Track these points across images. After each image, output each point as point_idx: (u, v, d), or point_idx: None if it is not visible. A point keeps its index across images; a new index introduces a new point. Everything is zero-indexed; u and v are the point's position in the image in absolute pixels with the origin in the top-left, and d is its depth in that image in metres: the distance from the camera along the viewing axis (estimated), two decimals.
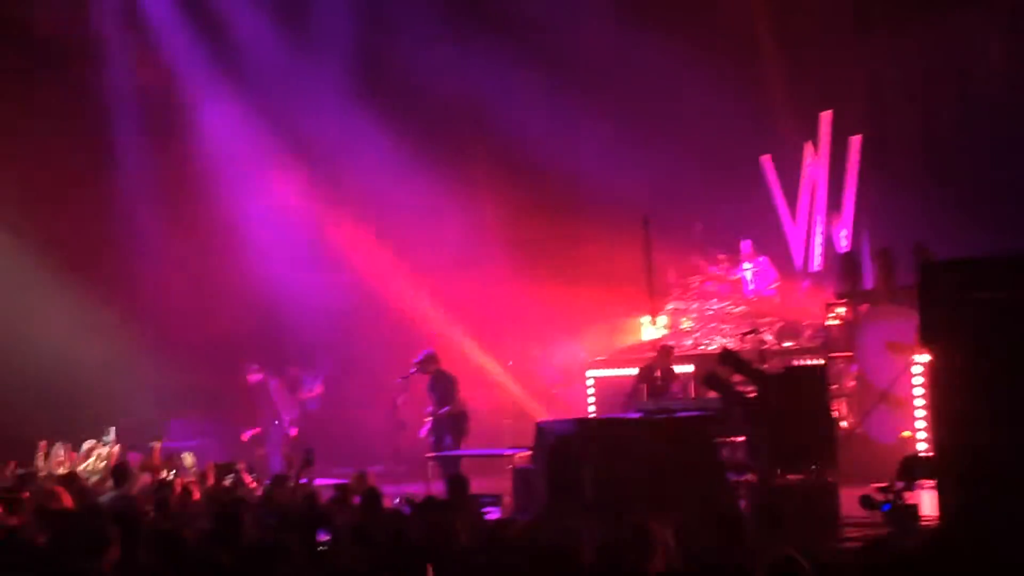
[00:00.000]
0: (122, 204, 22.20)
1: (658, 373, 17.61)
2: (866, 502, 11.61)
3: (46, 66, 21.34)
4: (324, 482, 14.86)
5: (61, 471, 15.71)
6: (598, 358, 20.29)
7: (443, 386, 17.24)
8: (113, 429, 17.39)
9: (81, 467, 16.43)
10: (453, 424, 17.07)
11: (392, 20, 22.57)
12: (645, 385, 17.47)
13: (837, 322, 17.71)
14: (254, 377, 20.51)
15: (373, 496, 11.39)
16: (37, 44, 21.35)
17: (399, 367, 18.35)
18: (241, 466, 15.11)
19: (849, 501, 12.16)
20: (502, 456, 16.15)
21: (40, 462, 16.27)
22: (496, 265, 22.12)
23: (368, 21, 22.63)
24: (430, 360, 17.38)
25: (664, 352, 17.93)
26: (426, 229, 22.07)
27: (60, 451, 16.63)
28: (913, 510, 11.73)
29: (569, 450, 13.70)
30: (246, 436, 19.91)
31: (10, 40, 21.11)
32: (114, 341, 20.87)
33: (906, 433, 15.81)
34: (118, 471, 13.87)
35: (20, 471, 15.37)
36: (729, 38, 21.12)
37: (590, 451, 13.49)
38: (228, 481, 14.27)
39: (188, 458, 16.50)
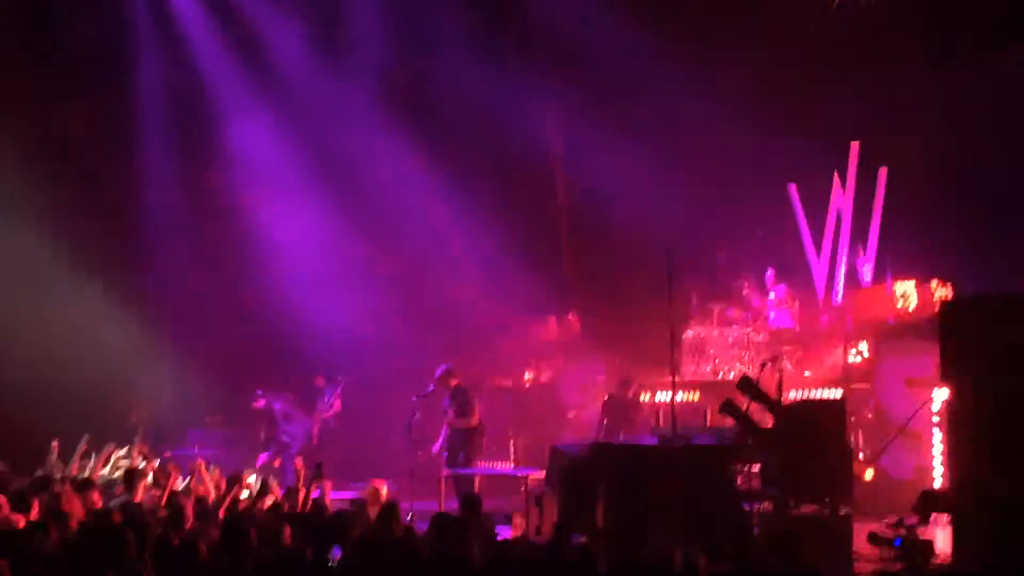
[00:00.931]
0: (149, 212, 22.30)
1: (621, 404, 17.77)
2: (873, 539, 11.57)
3: (79, 75, 21.50)
4: (339, 496, 14.87)
5: (80, 473, 15.77)
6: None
7: (460, 401, 17.23)
8: (137, 438, 17.46)
9: (100, 473, 16.48)
10: (468, 439, 17.05)
11: (428, 39, 22.59)
12: (606, 418, 17.72)
13: (859, 359, 17.68)
14: (258, 404, 20.60)
15: (390, 510, 11.37)
16: (72, 52, 21.51)
17: (416, 385, 18.37)
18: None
19: (863, 534, 12.12)
20: (516, 476, 16.13)
21: (53, 463, 16.29)
22: (521, 289, 22.16)
23: (404, 40, 22.66)
24: (449, 375, 17.37)
25: (622, 384, 18.00)
26: (451, 250, 22.10)
27: (80, 454, 16.68)
28: (928, 546, 11.68)
29: (584, 474, 13.69)
30: (260, 462, 19.90)
31: (45, 47, 21.30)
32: (136, 349, 20.96)
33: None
34: (128, 477, 13.91)
35: (38, 473, 15.40)
36: (756, 68, 21.09)
37: (605, 476, 13.47)
38: (243, 492, 14.27)
39: (204, 468, 16.50)
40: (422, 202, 22.02)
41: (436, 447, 17.25)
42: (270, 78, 22.53)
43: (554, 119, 22.75)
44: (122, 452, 17.13)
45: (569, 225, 23.12)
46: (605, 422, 18.13)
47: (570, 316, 22.46)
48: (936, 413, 15.56)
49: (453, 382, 17.36)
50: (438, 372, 17.41)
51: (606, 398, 18.44)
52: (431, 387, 17.67)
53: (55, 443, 16.56)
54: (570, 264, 23.14)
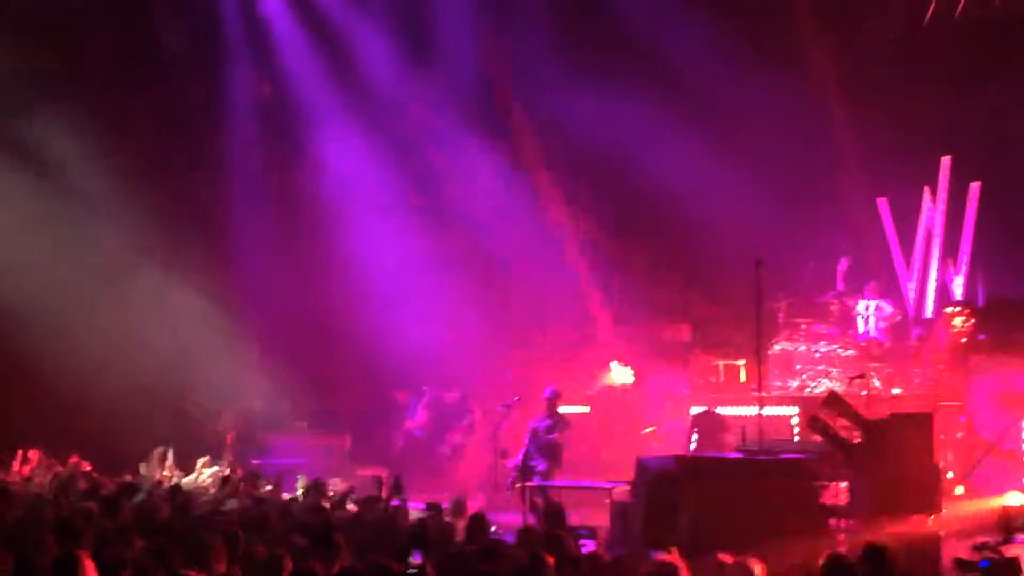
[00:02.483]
0: (238, 221, 22.57)
1: (713, 419, 17.64)
2: (959, 564, 11.37)
3: (169, 77, 21.86)
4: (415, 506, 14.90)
5: (168, 480, 16.00)
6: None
7: (560, 422, 17.24)
8: (224, 446, 17.70)
9: (187, 479, 16.71)
10: (551, 452, 17.02)
11: (514, 52, 22.65)
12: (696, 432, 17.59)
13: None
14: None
15: (480, 522, 11.38)
16: (164, 55, 21.88)
17: (500, 395, 18.42)
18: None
19: (950, 553, 11.95)
20: (601, 489, 16.09)
21: (145, 471, 16.54)
22: (606, 301, 22.16)
23: (491, 54, 22.74)
24: (556, 397, 17.41)
25: (550, 401, 17.74)
26: (535, 262, 22.15)
27: (168, 461, 16.93)
28: (1014, 564, 11.48)
29: (668, 486, 13.63)
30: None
31: (137, 49, 21.67)
32: (223, 357, 21.20)
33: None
34: (220, 484, 14.08)
35: (128, 479, 15.63)
36: (850, 79, 20.94)
37: (689, 488, 13.41)
38: (328, 500, 14.37)
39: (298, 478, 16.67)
40: (507, 213, 22.05)
41: (515, 460, 17.22)
42: (360, 91, 22.72)
43: (643, 131, 22.67)
44: (206, 459, 17.35)
45: (660, 234, 23.02)
46: (695, 436, 17.84)
47: (657, 324, 22.34)
48: None
49: (558, 404, 17.37)
50: (546, 394, 17.41)
51: (698, 412, 18.09)
52: (516, 397, 17.69)
53: (158, 450, 16.82)
54: (660, 272, 23.02)
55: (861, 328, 20.23)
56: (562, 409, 17.80)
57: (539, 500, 16.20)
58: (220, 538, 9.57)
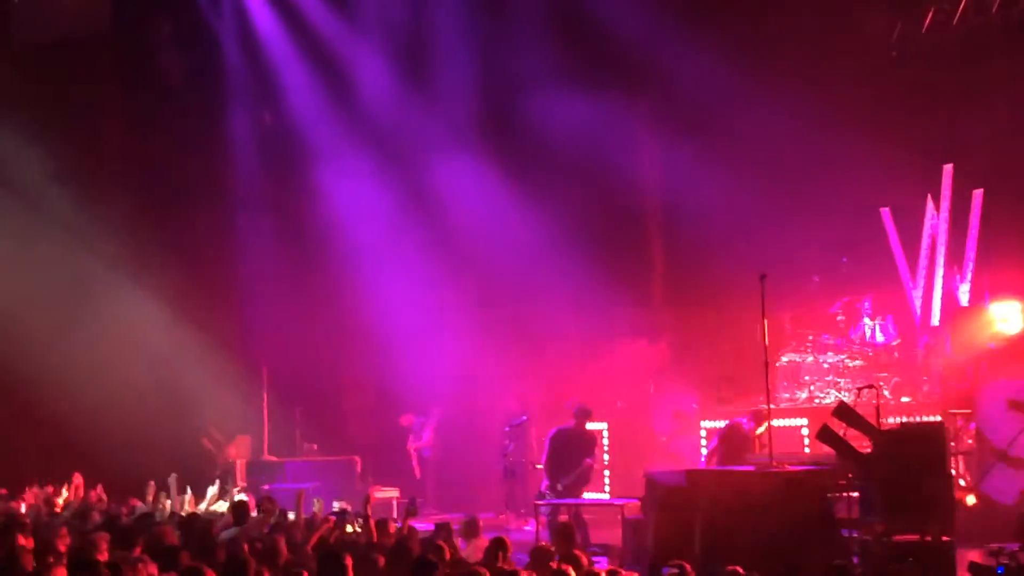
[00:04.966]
0: (244, 252, 22.65)
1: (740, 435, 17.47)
2: (974, 569, 11.36)
3: (170, 107, 21.96)
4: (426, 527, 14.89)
5: (184, 509, 16.02)
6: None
7: (589, 440, 17.03)
8: (234, 473, 17.74)
9: (201, 507, 16.74)
10: (581, 475, 16.77)
11: (519, 75, 22.67)
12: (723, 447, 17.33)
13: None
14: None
15: (499, 545, 11.33)
16: (165, 85, 21.98)
17: (508, 415, 18.41)
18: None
19: (965, 562, 11.93)
20: (613, 505, 16.04)
21: (152, 501, 16.53)
22: (613, 315, 22.15)
23: (495, 76, 22.77)
24: (586, 413, 17.16)
25: (753, 417, 17.56)
26: (542, 278, 22.16)
27: (181, 492, 16.92)
28: None
29: (679, 501, 13.61)
30: None
31: (139, 80, 21.78)
32: (232, 387, 21.27)
33: None
34: (237, 510, 14.06)
35: (140, 509, 15.65)
36: (848, 89, 20.98)
37: (701, 503, 13.39)
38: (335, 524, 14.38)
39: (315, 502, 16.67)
40: (511, 230, 22.08)
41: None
42: (359, 116, 22.79)
43: (645, 144, 22.73)
44: (215, 489, 17.35)
45: (662, 250, 23.07)
46: (722, 451, 17.47)
47: (663, 342, 22.35)
48: None
49: (587, 420, 17.06)
50: (575, 408, 17.10)
51: (724, 428, 17.80)
52: (524, 416, 17.60)
53: (171, 478, 16.84)
54: (663, 289, 23.07)
55: (877, 338, 20.25)
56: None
57: (551, 518, 16.10)
58: (230, 565, 9.60)
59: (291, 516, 14.53)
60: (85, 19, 22.12)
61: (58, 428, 20.36)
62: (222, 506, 16.75)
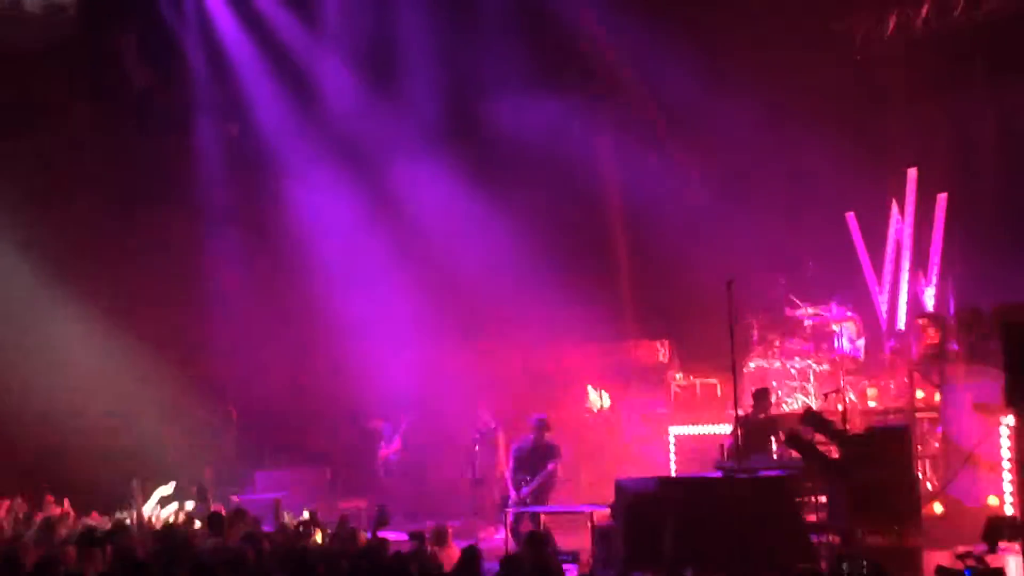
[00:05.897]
0: (211, 265, 22.57)
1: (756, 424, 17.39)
2: (942, 573, 11.40)
3: (136, 122, 21.86)
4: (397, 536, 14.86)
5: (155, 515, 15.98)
6: None
7: (548, 450, 17.04)
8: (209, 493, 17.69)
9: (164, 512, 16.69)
10: (545, 482, 16.80)
11: (483, 80, 22.67)
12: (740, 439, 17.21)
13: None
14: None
15: (472, 556, 11.30)
16: (131, 105, 21.89)
17: (475, 421, 18.39)
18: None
19: (932, 565, 11.96)
20: (581, 513, 16.04)
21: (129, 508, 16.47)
22: (581, 320, 22.17)
23: (460, 81, 22.78)
24: (545, 425, 17.15)
25: (758, 401, 17.46)
26: (509, 284, 22.15)
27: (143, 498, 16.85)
28: (999, 574, 11.51)
29: (649, 508, 13.63)
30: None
31: (105, 93, 21.67)
32: (198, 398, 21.19)
33: None
34: (213, 520, 14.00)
35: (114, 517, 15.59)
36: (813, 93, 21.06)
37: (670, 509, 13.40)
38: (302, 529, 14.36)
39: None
40: (477, 236, 22.07)
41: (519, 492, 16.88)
42: (326, 124, 22.77)
43: (610, 149, 22.77)
44: (168, 490, 17.26)
45: (629, 253, 23.10)
46: (739, 443, 17.22)
47: (631, 344, 22.35)
48: (1005, 437, 15.39)
49: (547, 432, 17.08)
50: (534, 421, 17.14)
51: (739, 417, 17.62)
52: (493, 424, 17.58)
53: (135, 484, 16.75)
54: (630, 292, 23.10)
55: (836, 343, 20.28)
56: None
57: (520, 526, 16.11)
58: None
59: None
60: (49, 29, 21.99)
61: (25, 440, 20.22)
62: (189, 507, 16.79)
